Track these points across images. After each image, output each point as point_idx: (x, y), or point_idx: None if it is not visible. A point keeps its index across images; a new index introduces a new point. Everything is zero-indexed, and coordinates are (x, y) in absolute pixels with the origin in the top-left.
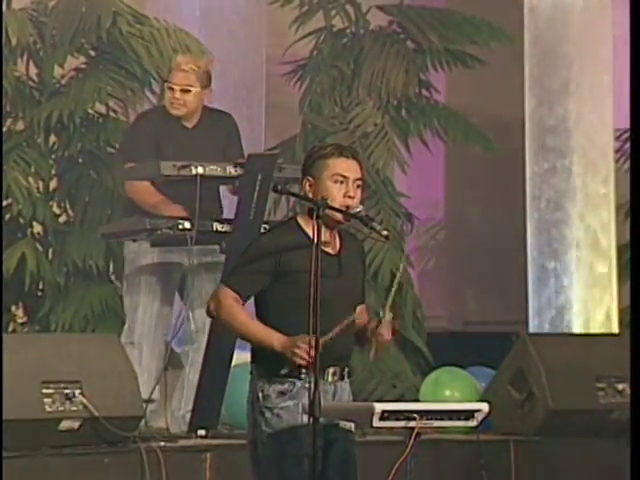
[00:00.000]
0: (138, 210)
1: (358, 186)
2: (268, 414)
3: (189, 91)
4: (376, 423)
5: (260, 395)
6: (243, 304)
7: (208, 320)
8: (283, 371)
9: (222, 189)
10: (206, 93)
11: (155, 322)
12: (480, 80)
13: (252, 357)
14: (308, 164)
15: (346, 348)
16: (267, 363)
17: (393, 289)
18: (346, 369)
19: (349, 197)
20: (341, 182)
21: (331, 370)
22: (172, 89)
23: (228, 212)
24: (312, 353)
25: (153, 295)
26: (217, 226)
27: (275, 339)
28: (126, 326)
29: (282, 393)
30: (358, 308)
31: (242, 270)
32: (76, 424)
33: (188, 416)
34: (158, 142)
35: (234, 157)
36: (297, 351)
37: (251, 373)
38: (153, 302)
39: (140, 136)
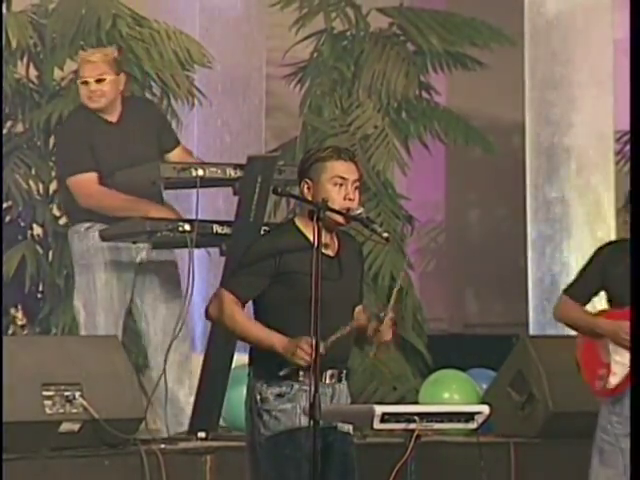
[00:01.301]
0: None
1: (356, 188)
2: (266, 417)
3: (103, 80)
4: (376, 425)
5: (258, 398)
6: (243, 306)
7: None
8: (282, 372)
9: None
10: (121, 80)
11: (119, 314)
12: (480, 82)
13: (250, 359)
14: (305, 167)
15: (344, 351)
16: (265, 365)
17: (395, 289)
18: (344, 371)
19: (349, 199)
20: (340, 185)
21: (329, 372)
22: (86, 83)
23: (228, 214)
24: (313, 355)
25: (112, 287)
26: (217, 228)
27: (276, 340)
28: (83, 317)
29: (280, 395)
30: (357, 309)
31: (241, 273)
32: (76, 426)
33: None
34: (91, 143)
35: (169, 146)
36: (299, 352)
37: (249, 375)
38: (118, 295)
39: (74, 141)
